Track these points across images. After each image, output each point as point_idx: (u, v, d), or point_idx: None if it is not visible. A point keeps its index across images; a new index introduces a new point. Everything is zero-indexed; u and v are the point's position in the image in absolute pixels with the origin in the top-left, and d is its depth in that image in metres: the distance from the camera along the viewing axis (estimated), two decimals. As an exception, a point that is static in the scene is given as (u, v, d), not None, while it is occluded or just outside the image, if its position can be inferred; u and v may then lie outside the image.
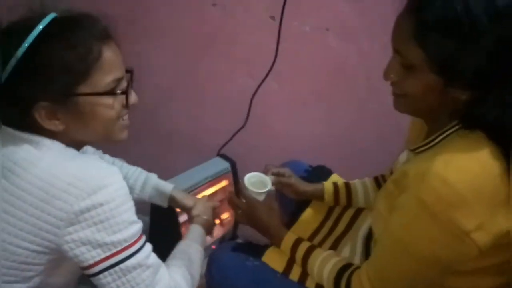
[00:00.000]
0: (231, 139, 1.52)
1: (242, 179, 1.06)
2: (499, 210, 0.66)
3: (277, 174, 1.12)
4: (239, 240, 1.54)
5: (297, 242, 0.95)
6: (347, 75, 1.40)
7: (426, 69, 0.68)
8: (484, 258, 0.71)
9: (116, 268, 0.68)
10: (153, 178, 1.08)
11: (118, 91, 0.72)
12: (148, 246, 0.74)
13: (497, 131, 0.67)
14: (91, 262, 0.67)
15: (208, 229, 1.05)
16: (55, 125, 0.69)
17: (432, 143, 0.76)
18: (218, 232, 1.46)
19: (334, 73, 1.41)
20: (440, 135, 0.74)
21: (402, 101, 0.76)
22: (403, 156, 0.90)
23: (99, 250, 0.67)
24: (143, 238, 0.73)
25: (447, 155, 0.68)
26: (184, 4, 1.41)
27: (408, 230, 0.71)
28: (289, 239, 0.97)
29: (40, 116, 0.67)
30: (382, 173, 1.17)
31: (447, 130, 0.73)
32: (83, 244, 0.66)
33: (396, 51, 0.72)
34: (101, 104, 0.70)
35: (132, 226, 0.70)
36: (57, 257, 0.70)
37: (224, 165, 1.49)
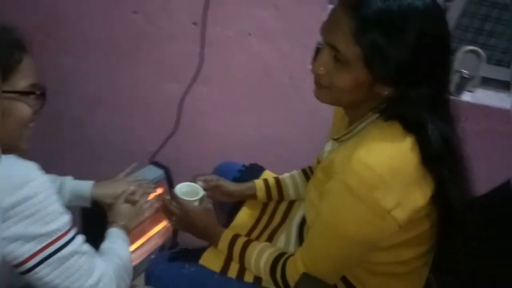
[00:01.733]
0: (162, 145, 1.52)
1: (174, 189, 1.07)
2: (414, 188, 0.74)
3: (204, 181, 1.14)
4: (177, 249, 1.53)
5: (234, 238, 0.98)
6: (272, 77, 1.47)
7: (359, 65, 0.72)
8: (405, 232, 0.78)
9: (54, 257, 0.69)
10: (69, 181, 1.05)
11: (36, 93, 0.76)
12: (81, 235, 0.76)
13: (412, 123, 0.74)
14: (26, 256, 0.67)
15: (129, 230, 1.00)
16: None
17: (353, 132, 0.83)
18: (156, 241, 1.44)
19: (259, 75, 1.47)
20: (359, 124, 0.81)
21: (327, 91, 0.80)
22: (328, 146, 0.97)
23: (32, 243, 0.67)
24: (74, 228, 0.74)
25: (368, 143, 0.74)
26: (104, 14, 1.38)
27: (336, 214, 0.77)
28: (226, 236, 0.99)
29: None
30: (309, 165, 1.24)
31: (365, 120, 0.80)
32: (16, 239, 0.65)
33: (330, 46, 0.74)
34: (17, 105, 0.73)
35: (63, 216, 0.71)
36: None
37: (157, 172, 1.46)
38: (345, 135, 0.85)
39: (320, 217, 0.81)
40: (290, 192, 1.19)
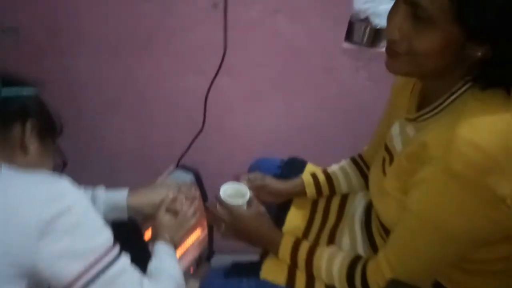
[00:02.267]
0: (189, 146, 1.38)
1: (218, 191, 0.95)
2: None
3: (249, 180, 1.02)
4: (222, 261, 1.40)
5: (296, 244, 0.85)
6: (301, 58, 1.33)
7: (448, 21, 0.60)
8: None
9: (100, 279, 0.63)
10: (101, 192, 0.94)
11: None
12: (126, 253, 0.70)
13: None
14: (72, 277, 0.62)
15: (176, 244, 0.92)
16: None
17: (439, 107, 0.69)
18: (193, 253, 1.31)
19: (288, 58, 1.33)
20: (448, 97, 0.67)
21: (405, 60, 0.66)
22: (396, 129, 0.82)
23: (79, 262, 0.62)
24: (117, 244, 0.69)
25: (470, 118, 0.61)
26: (112, 6, 1.23)
27: (437, 206, 0.64)
28: (286, 242, 0.86)
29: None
30: (357, 152, 1.11)
31: (456, 91, 0.67)
32: (61, 256, 0.61)
33: (408, 2, 0.62)
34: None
35: (105, 230, 0.67)
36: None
37: (187, 176, 1.34)
38: (428, 112, 0.71)
39: (413, 212, 0.67)
40: (342, 185, 1.06)
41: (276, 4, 1.23)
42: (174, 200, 0.95)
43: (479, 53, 0.62)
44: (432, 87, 0.72)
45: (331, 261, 0.80)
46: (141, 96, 1.40)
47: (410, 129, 0.77)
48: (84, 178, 1.11)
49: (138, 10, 1.23)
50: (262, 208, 0.94)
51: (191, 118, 1.38)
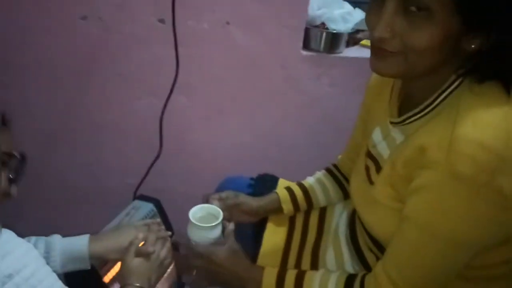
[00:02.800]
0: (147, 174, 1.27)
1: (188, 217, 0.84)
2: None
3: (220, 199, 0.93)
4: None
5: (281, 276, 0.76)
6: (261, 69, 1.27)
7: (446, 12, 0.54)
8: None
9: None
10: (58, 240, 0.84)
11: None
12: None
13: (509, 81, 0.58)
14: None
15: None
16: None
17: (430, 106, 0.63)
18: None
19: (245, 70, 1.27)
20: (440, 94, 0.62)
21: (399, 59, 0.60)
22: (377, 134, 0.76)
23: None
24: None
25: (469, 115, 0.56)
26: (45, 25, 1.12)
27: (442, 213, 0.58)
28: (269, 278, 0.77)
29: None
30: (327, 162, 1.05)
31: (447, 88, 0.62)
32: None
33: None
34: None
35: None
36: None
37: (147, 207, 1.23)
38: (417, 113, 0.65)
39: (415, 221, 0.61)
40: (320, 198, 0.99)
41: (226, 15, 1.17)
42: (144, 240, 0.85)
43: (474, 46, 0.57)
44: (418, 86, 0.66)
45: (325, 283, 0.72)
46: (87, 124, 1.28)
47: (395, 133, 0.71)
48: (32, 217, 0.99)
49: (76, 31, 1.13)
50: (235, 244, 0.85)
51: (147, 143, 1.28)
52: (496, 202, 0.55)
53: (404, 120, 0.67)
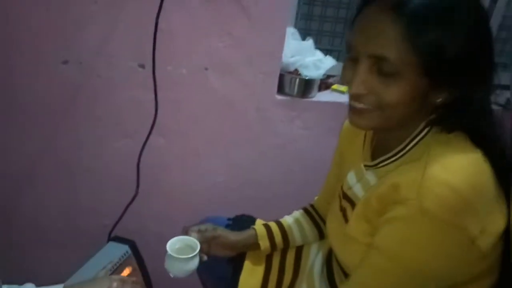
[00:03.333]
0: (122, 215, 1.26)
1: (165, 249, 0.85)
2: (495, 208, 0.62)
3: (199, 231, 0.94)
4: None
5: None
6: (237, 112, 1.31)
7: (413, 72, 0.61)
8: (485, 260, 0.65)
9: None
10: None
11: None
12: None
13: (477, 131, 0.64)
14: None
15: None
16: None
17: (402, 152, 0.69)
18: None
19: (222, 113, 1.31)
20: (410, 141, 0.68)
21: (374, 115, 0.66)
22: (352, 177, 0.81)
23: None
24: None
25: (439, 159, 0.61)
26: (26, 69, 1.13)
27: (410, 245, 0.62)
28: None
29: None
30: (302, 201, 1.09)
31: (416, 136, 0.68)
32: None
33: (376, 57, 0.62)
34: None
35: None
36: None
37: (122, 249, 1.22)
38: (390, 158, 0.71)
39: (382, 249, 0.65)
40: (296, 237, 1.02)
41: (204, 61, 1.22)
42: None
43: (440, 99, 0.64)
44: (391, 134, 0.72)
45: None
46: (63, 165, 1.27)
47: (369, 176, 0.76)
48: (9, 261, 0.96)
49: (56, 75, 1.15)
50: None
51: (123, 184, 1.27)
52: (460, 241, 0.59)
53: (377, 164, 0.73)
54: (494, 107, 1.15)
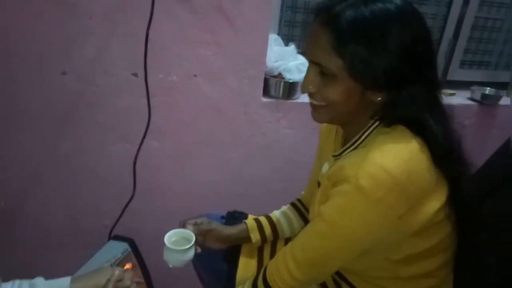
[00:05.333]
0: (121, 215, 1.34)
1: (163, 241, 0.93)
2: (427, 192, 0.72)
3: (195, 224, 1.02)
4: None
5: None
6: (226, 115, 1.40)
7: (345, 76, 0.72)
8: (430, 237, 0.76)
9: None
10: (40, 283, 0.86)
11: None
12: None
13: (414, 124, 0.73)
14: None
15: None
16: None
17: (356, 143, 0.80)
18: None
19: (211, 116, 1.39)
20: (362, 134, 0.79)
21: (323, 110, 0.78)
22: (325, 168, 0.92)
23: None
24: None
25: (380, 146, 0.71)
26: (28, 81, 1.21)
27: (344, 214, 0.72)
28: None
29: None
30: (289, 196, 1.17)
31: (367, 129, 0.78)
32: None
33: (314, 63, 0.75)
34: None
35: None
36: None
37: (122, 246, 1.29)
38: (348, 148, 0.82)
39: (324, 216, 0.75)
40: (285, 229, 1.10)
41: (193, 68, 1.30)
42: (119, 279, 0.90)
43: (379, 98, 0.74)
44: (349, 129, 0.83)
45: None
46: (63, 169, 1.34)
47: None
48: (14, 261, 1.02)
49: (56, 85, 1.23)
50: None
51: (121, 185, 1.36)
52: (387, 216, 0.70)
53: (340, 154, 0.83)
54: (471, 102, 1.28)
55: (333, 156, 0.87)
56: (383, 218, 0.70)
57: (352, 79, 0.72)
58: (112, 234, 1.35)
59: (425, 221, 0.73)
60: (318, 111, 0.80)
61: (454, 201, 0.76)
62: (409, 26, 0.71)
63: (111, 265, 1.11)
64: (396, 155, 0.70)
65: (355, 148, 0.80)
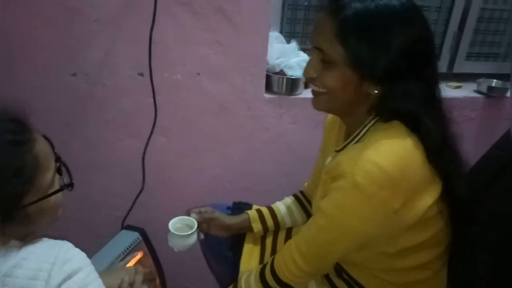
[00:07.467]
0: (132, 206, 1.42)
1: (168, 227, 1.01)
2: (421, 187, 0.74)
3: (199, 212, 1.08)
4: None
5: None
6: (229, 112, 1.44)
7: (344, 65, 0.75)
8: (423, 232, 0.79)
9: None
10: None
11: (61, 184, 0.76)
12: None
13: (410, 120, 0.76)
14: None
15: None
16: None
17: (356, 138, 0.82)
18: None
19: (216, 112, 1.44)
20: (361, 130, 0.82)
21: (322, 98, 0.81)
22: (329, 161, 0.94)
23: None
24: None
25: (375, 143, 0.74)
26: (40, 82, 1.29)
27: (342, 209, 0.76)
28: None
29: None
30: (292, 189, 1.21)
31: (367, 125, 0.81)
32: None
33: (318, 49, 0.78)
34: (48, 205, 0.71)
35: None
36: None
37: (133, 236, 1.37)
38: (348, 143, 0.85)
39: (324, 211, 0.79)
40: (286, 219, 1.15)
41: (196, 67, 1.35)
42: (130, 283, 0.92)
43: (376, 91, 0.77)
44: (350, 124, 0.87)
45: (248, 278, 0.92)
46: (76, 165, 1.40)
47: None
48: None
49: (66, 85, 1.30)
50: None
51: (131, 179, 1.43)
52: (382, 211, 0.72)
53: (342, 148, 0.86)
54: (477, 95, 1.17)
55: (335, 151, 0.90)
56: (378, 213, 0.73)
57: (351, 69, 0.75)
58: (124, 224, 1.43)
59: (419, 216, 0.75)
60: (317, 98, 0.83)
61: (447, 197, 0.78)
62: (411, 24, 0.74)
63: (122, 259, 1.16)
64: (391, 151, 0.72)
65: (355, 143, 0.82)
